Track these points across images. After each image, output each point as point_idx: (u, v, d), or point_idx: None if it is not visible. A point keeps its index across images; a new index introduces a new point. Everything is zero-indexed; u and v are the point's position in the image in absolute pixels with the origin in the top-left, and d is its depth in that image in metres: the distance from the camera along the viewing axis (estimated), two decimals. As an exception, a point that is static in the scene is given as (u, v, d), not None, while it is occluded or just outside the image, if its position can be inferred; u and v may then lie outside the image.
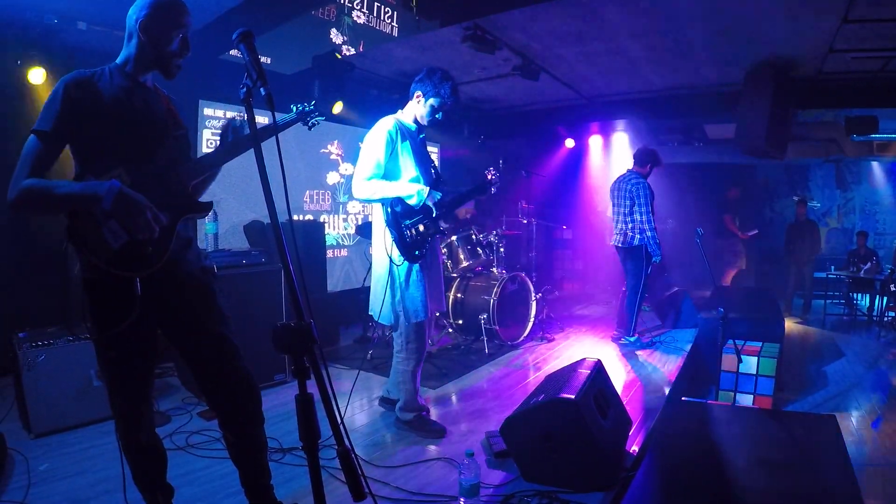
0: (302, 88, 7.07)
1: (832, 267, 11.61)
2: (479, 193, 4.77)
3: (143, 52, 2.50)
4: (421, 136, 4.44)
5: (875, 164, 13.62)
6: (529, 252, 8.54)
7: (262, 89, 1.97)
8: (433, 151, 10.82)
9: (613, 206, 7.12)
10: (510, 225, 9.25)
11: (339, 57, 7.22)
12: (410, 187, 4.11)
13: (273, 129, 2.12)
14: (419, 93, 4.23)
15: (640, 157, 7.22)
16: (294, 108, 2.85)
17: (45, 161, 2.31)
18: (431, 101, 4.21)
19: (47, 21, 5.05)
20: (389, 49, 7.42)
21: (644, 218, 6.78)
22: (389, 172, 4.14)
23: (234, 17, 5.30)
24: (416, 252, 4.16)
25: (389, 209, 4.11)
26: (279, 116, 2.68)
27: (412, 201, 4.12)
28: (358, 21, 7.91)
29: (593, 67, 7.74)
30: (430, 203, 4.17)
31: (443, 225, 4.39)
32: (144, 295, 2.50)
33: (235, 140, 2.76)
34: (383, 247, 4.17)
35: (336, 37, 7.62)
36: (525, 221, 8.50)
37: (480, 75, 7.99)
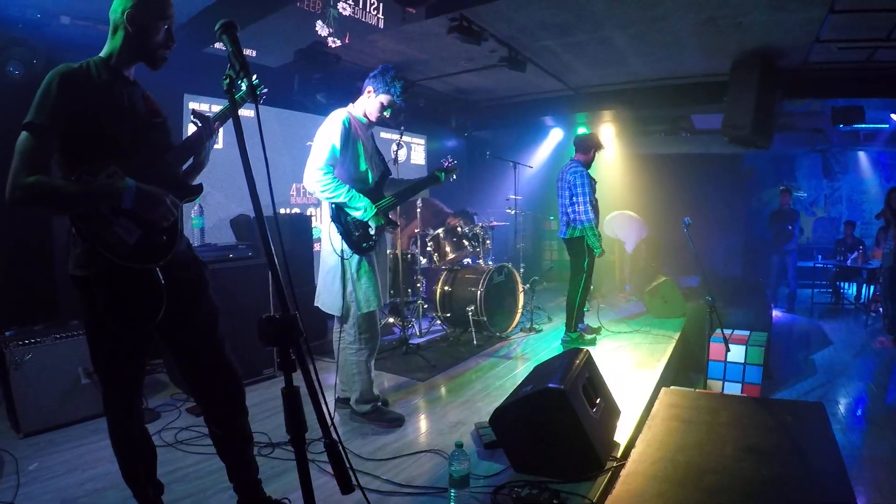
0: (287, 81, 7.04)
1: (819, 256, 11.65)
2: (432, 183, 4.81)
3: (129, 44, 2.49)
4: (370, 131, 4.50)
5: (861, 154, 13.68)
6: (517, 243, 8.53)
7: (244, 81, 1.96)
8: (419, 143, 10.80)
9: (558, 197, 6.98)
10: (497, 216, 9.25)
11: (325, 49, 7.18)
12: (359, 203, 4.14)
13: (235, 112, 2.03)
14: (370, 88, 4.31)
15: (581, 144, 7.01)
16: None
17: (43, 156, 2.27)
18: (381, 97, 4.29)
19: (30, 16, 5.00)
20: (375, 41, 7.39)
21: (582, 209, 6.62)
22: (341, 163, 4.18)
23: (219, 9, 5.26)
24: (364, 245, 4.23)
25: (333, 204, 4.18)
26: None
27: (357, 214, 4.17)
28: (344, 13, 7.86)
29: (580, 58, 7.73)
30: (373, 224, 4.24)
31: (391, 217, 4.49)
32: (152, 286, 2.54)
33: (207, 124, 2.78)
34: (331, 240, 4.23)
35: (322, 29, 7.57)
36: (513, 212, 8.49)
37: (467, 66, 7.98)
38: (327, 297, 4.35)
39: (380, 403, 4.55)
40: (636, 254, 10.97)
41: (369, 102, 4.32)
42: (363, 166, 4.28)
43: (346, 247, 4.17)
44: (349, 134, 4.18)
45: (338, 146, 4.09)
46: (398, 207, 5.01)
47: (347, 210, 4.16)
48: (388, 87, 4.25)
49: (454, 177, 4.85)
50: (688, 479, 3.27)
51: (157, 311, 2.54)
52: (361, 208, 4.14)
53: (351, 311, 4.29)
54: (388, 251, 4.86)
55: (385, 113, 4.34)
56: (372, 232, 4.27)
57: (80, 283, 2.46)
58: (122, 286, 2.46)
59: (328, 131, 4.14)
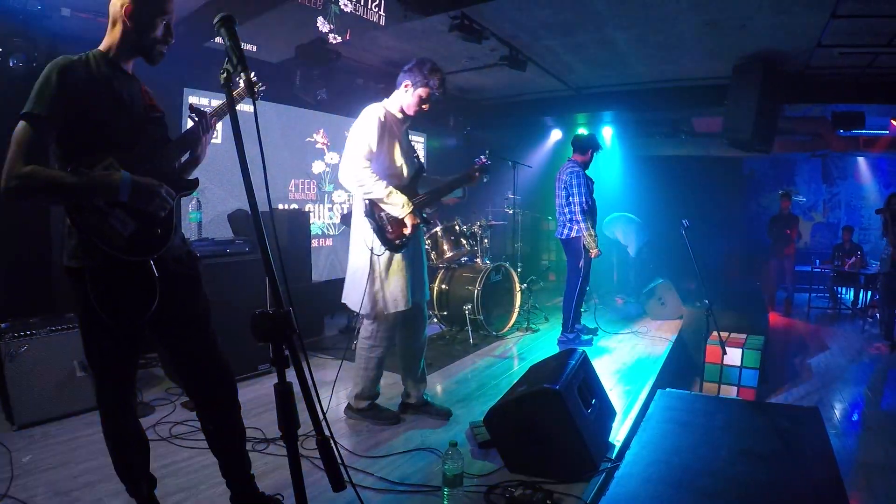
0: (287, 77, 7.03)
1: (817, 261, 11.65)
2: (467, 182, 4.71)
3: (127, 38, 2.49)
4: (405, 126, 4.41)
5: (861, 160, 13.69)
6: (515, 243, 8.53)
7: (241, 74, 1.95)
8: (419, 141, 10.80)
9: (556, 197, 6.98)
10: (496, 215, 9.25)
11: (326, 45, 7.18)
12: (397, 200, 4.07)
13: (231, 107, 1.96)
14: (407, 82, 4.18)
15: (578, 145, 7.01)
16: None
17: (41, 146, 2.28)
18: (419, 91, 4.17)
19: (30, 8, 4.98)
20: (376, 38, 7.38)
21: (578, 209, 6.61)
22: (375, 159, 4.09)
23: (220, 3, 5.25)
24: (397, 242, 4.15)
25: (368, 200, 4.11)
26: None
27: (394, 212, 4.10)
28: (345, 9, 7.83)
29: (581, 58, 7.73)
30: (408, 223, 4.15)
31: (427, 212, 4.40)
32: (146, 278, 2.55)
33: (203, 119, 2.78)
34: (363, 236, 4.16)
35: (323, 25, 7.56)
36: (511, 212, 8.49)
37: (467, 65, 7.97)
38: (353, 293, 4.28)
39: (376, 401, 4.54)
40: (639, 257, 10.97)
41: (406, 97, 4.21)
42: (398, 162, 4.20)
43: (377, 243, 4.11)
44: (385, 129, 4.10)
45: (374, 141, 4.02)
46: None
47: (384, 206, 4.11)
48: (427, 80, 4.13)
49: (487, 177, 4.80)
50: (682, 482, 3.27)
51: (149, 304, 2.54)
52: (399, 205, 4.07)
53: (376, 309, 4.23)
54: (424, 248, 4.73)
55: (423, 106, 4.24)
56: (407, 231, 4.19)
57: (74, 274, 2.46)
58: (116, 279, 2.47)
59: (363, 126, 4.06)
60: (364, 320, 4.38)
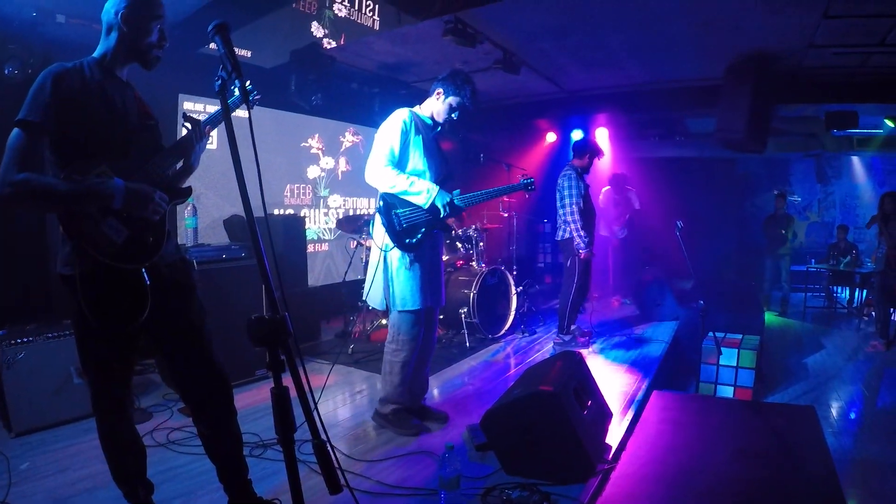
0: (282, 82, 7.04)
1: (812, 260, 11.68)
2: (490, 198, 4.70)
3: (123, 44, 2.51)
4: (435, 132, 4.43)
5: (855, 159, 13.72)
6: (510, 246, 8.54)
7: (236, 82, 1.97)
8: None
9: (556, 200, 7.02)
10: (491, 219, 9.25)
11: (320, 50, 7.20)
12: (420, 186, 4.07)
13: (226, 113, 2.03)
14: (440, 90, 4.26)
15: (577, 149, 7.03)
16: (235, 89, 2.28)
17: (35, 153, 2.29)
18: (450, 99, 4.25)
19: (25, 15, 5.00)
20: (370, 42, 7.40)
21: (568, 210, 6.63)
22: (399, 161, 4.13)
23: (214, 9, 5.26)
24: (406, 240, 4.15)
25: (383, 200, 4.15)
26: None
27: (419, 200, 4.10)
28: (339, 14, 7.87)
29: (575, 61, 7.75)
30: (438, 204, 4.12)
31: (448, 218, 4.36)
32: (138, 286, 2.55)
33: (196, 128, 2.79)
34: (376, 233, 4.22)
35: (317, 30, 7.58)
36: (506, 215, 8.50)
37: (461, 69, 7.98)
38: (372, 290, 4.33)
39: (402, 409, 4.45)
40: (628, 253, 10.97)
41: (437, 104, 4.28)
42: (420, 165, 4.20)
43: (388, 240, 4.13)
44: (409, 132, 4.14)
45: (396, 145, 4.06)
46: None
47: (407, 196, 4.10)
48: (459, 90, 4.22)
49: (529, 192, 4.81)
50: (678, 482, 3.28)
51: (140, 311, 2.54)
52: (424, 190, 4.07)
53: (389, 308, 4.27)
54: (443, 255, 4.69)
55: (453, 115, 4.30)
56: (421, 233, 4.17)
57: (68, 281, 2.47)
58: (107, 286, 2.48)
59: (388, 128, 4.12)
60: (388, 325, 4.38)
